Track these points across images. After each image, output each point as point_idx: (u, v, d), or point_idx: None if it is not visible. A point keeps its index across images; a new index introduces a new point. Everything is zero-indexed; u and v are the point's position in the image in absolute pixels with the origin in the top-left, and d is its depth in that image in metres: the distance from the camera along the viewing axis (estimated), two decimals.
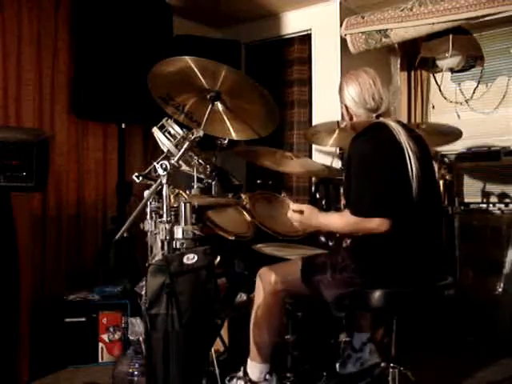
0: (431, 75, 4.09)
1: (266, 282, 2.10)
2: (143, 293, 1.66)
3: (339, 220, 1.98)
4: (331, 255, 2.02)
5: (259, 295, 2.11)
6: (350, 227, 1.92)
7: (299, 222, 2.05)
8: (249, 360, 2.14)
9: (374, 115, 2.00)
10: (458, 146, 3.64)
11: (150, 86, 2.19)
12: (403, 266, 1.89)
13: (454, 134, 3.30)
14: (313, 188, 3.79)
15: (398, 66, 4.16)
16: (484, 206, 3.54)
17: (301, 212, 2.04)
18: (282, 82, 4.15)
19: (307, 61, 4.04)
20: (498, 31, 3.78)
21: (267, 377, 2.10)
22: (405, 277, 1.89)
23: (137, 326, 2.18)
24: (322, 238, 2.86)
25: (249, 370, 2.13)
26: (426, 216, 1.94)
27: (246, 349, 2.18)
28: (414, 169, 1.85)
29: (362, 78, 2.02)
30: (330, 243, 2.74)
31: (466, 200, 3.77)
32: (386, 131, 1.93)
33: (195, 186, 2.17)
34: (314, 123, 3.97)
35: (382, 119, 1.99)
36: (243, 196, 2.66)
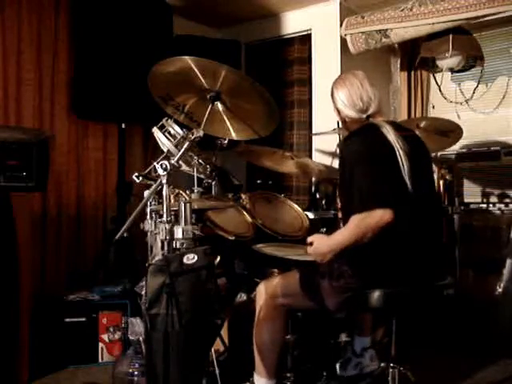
0: (431, 75, 4.09)
1: (266, 296, 2.08)
2: (143, 293, 1.66)
3: (344, 230, 1.88)
4: (328, 263, 1.97)
5: (260, 310, 2.09)
6: (357, 228, 1.82)
7: (312, 254, 1.99)
8: (255, 374, 2.12)
9: (364, 116, 2.01)
10: (457, 146, 3.64)
11: (150, 86, 2.18)
12: (399, 266, 1.87)
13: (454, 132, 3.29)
14: (313, 188, 3.79)
15: (398, 66, 4.17)
16: (484, 205, 3.54)
17: (310, 244, 1.99)
18: (282, 81, 4.15)
19: (307, 61, 4.05)
20: (498, 31, 3.79)
21: None
22: (402, 277, 1.88)
23: (137, 326, 2.19)
24: (323, 230, 2.86)
25: None
26: (421, 214, 1.93)
27: (246, 349, 2.17)
28: (405, 167, 1.85)
29: (350, 81, 2.05)
30: None
31: (466, 200, 3.77)
32: (376, 131, 1.93)
33: (195, 190, 2.16)
34: (313, 123, 3.98)
35: (372, 120, 2.00)
36: (243, 196, 2.66)
